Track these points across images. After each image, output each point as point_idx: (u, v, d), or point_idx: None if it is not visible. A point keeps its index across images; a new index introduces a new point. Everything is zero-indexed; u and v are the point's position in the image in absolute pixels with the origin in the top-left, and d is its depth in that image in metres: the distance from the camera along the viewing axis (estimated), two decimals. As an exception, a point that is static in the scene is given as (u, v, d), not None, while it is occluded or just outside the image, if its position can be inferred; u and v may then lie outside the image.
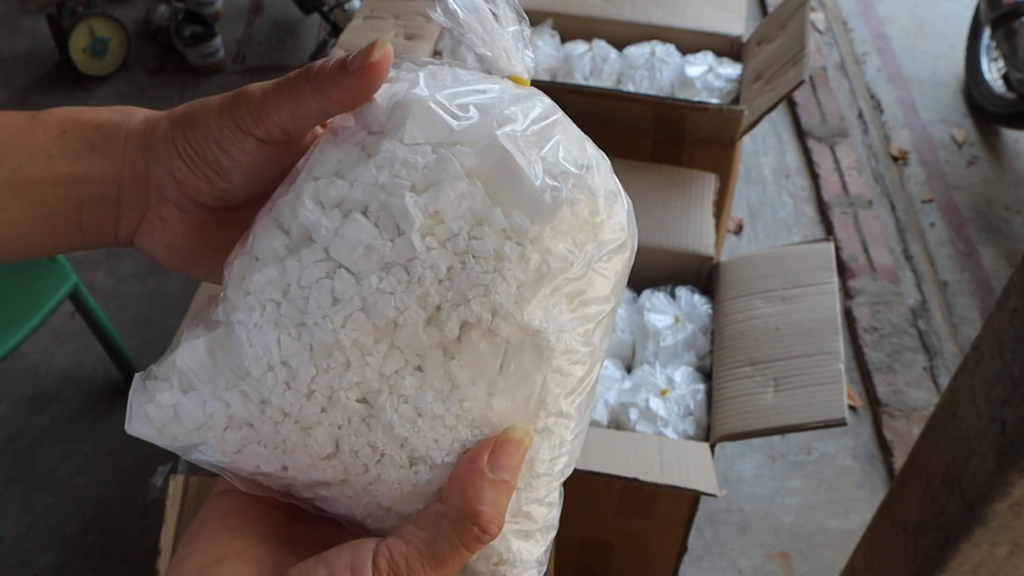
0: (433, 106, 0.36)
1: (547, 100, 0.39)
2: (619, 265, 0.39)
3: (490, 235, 0.35)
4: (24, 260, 0.40)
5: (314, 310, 0.35)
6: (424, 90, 0.37)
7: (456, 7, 0.38)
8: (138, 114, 0.40)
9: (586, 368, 0.38)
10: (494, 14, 0.39)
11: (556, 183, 0.36)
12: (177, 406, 0.37)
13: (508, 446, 0.35)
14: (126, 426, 0.38)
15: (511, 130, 0.36)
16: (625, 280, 0.41)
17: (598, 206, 0.37)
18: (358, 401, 0.35)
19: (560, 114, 0.39)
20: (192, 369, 0.36)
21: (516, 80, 0.40)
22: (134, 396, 0.38)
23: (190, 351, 0.36)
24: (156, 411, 0.37)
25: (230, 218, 0.41)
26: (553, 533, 0.40)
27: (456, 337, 0.35)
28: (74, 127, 0.39)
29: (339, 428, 0.35)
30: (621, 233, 0.38)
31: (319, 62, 0.37)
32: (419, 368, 0.35)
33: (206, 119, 0.38)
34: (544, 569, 0.40)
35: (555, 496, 0.39)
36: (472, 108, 0.37)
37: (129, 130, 0.39)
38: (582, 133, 0.40)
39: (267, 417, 0.35)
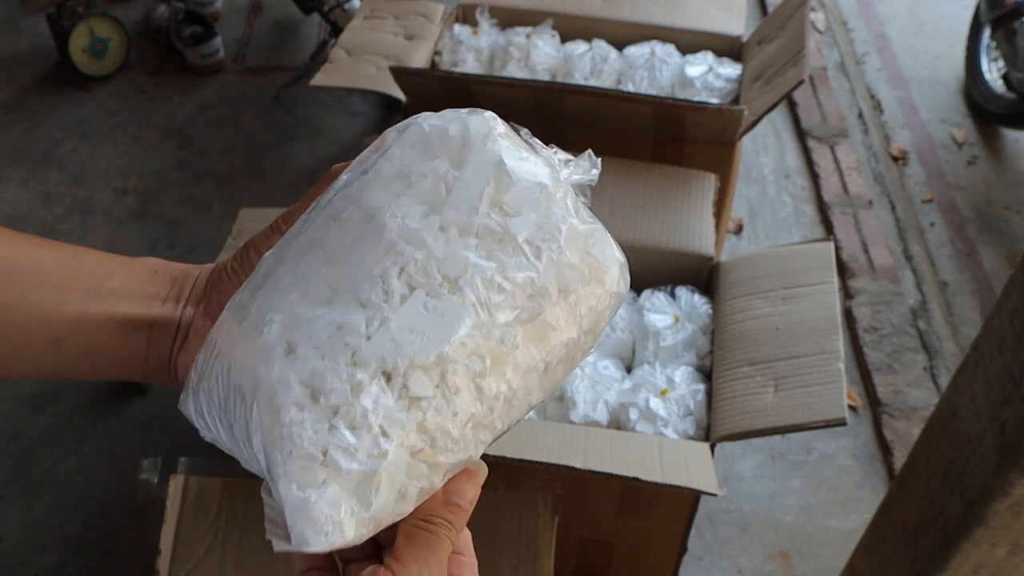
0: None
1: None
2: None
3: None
4: (88, 378, 0.48)
5: None
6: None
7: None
8: (215, 264, 0.48)
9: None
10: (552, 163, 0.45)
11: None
12: None
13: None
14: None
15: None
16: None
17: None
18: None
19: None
20: None
21: None
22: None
23: None
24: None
25: None
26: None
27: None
28: (164, 269, 0.48)
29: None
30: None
31: (333, 168, 0.46)
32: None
33: (253, 236, 0.47)
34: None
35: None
36: None
37: (204, 269, 0.48)
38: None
39: None
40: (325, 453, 0.38)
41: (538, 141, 0.46)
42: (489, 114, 0.45)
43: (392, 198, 0.42)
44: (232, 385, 0.41)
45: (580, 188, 0.45)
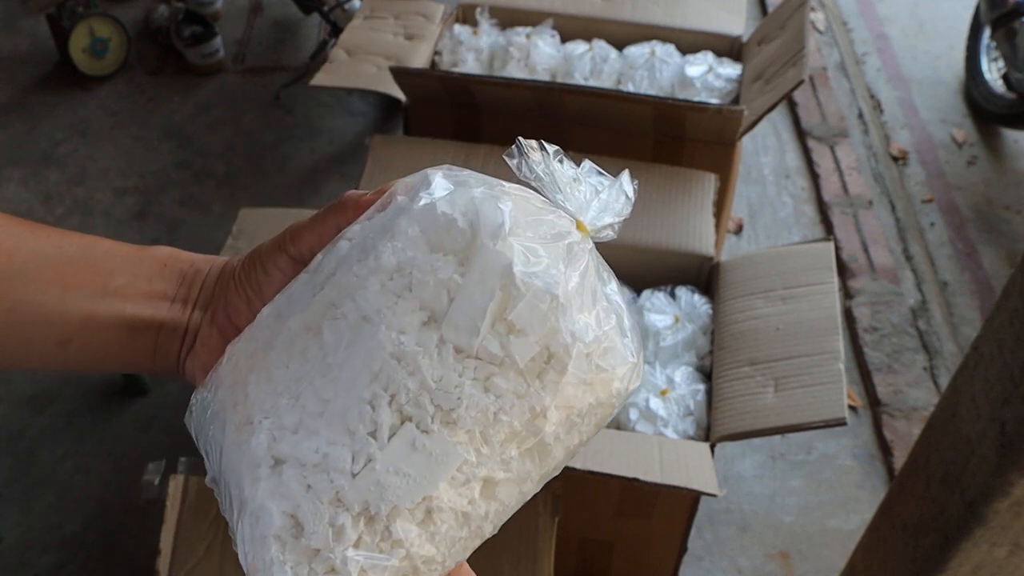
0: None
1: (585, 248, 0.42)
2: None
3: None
4: (93, 371, 0.47)
5: None
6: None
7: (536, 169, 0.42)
8: (225, 260, 0.47)
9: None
10: (575, 179, 0.43)
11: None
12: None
13: None
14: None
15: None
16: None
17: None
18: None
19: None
20: None
21: (580, 227, 0.42)
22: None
23: None
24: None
25: None
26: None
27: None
28: (173, 263, 0.46)
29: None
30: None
31: (345, 195, 0.45)
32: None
33: (260, 246, 0.45)
34: None
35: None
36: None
37: (214, 265, 0.47)
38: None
39: None
40: None
41: (568, 164, 0.42)
42: (506, 193, 0.41)
43: (390, 301, 0.40)
44: (224, 475, 0.41)
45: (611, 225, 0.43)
